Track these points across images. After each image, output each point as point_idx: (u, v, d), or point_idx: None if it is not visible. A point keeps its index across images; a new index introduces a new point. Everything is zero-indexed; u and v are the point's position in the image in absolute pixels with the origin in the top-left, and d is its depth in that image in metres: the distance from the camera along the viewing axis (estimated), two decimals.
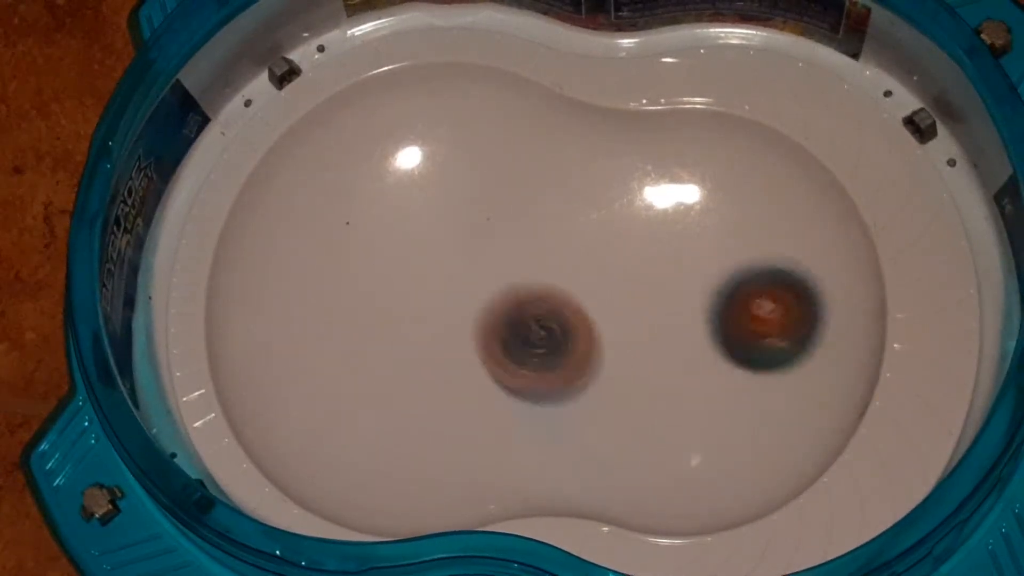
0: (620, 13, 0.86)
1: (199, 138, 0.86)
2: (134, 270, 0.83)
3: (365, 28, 0.89)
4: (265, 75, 0.88)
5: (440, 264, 0.87)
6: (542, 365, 0.84)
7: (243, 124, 0.86)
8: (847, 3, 0.82)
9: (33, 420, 0.90)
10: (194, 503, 0.72)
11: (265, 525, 0.72)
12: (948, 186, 0.81)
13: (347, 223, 0.87)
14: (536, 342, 0.85)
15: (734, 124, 0.84)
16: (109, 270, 0.79)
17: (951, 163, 0.82)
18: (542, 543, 0.70)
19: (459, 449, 0.82)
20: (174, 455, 0.77)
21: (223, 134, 0.87)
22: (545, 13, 0.88)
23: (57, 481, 0.78)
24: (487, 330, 0.85)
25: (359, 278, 0.86)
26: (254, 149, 0.85)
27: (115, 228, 0.80)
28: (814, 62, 0.85)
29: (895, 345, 0.77)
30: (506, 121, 0.87)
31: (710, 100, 0.85)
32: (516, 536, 0.71)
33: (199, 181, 0.85)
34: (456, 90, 0.87)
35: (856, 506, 0.74)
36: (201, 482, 0.76)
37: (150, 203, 0.84)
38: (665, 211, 0.87)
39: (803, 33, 0.85)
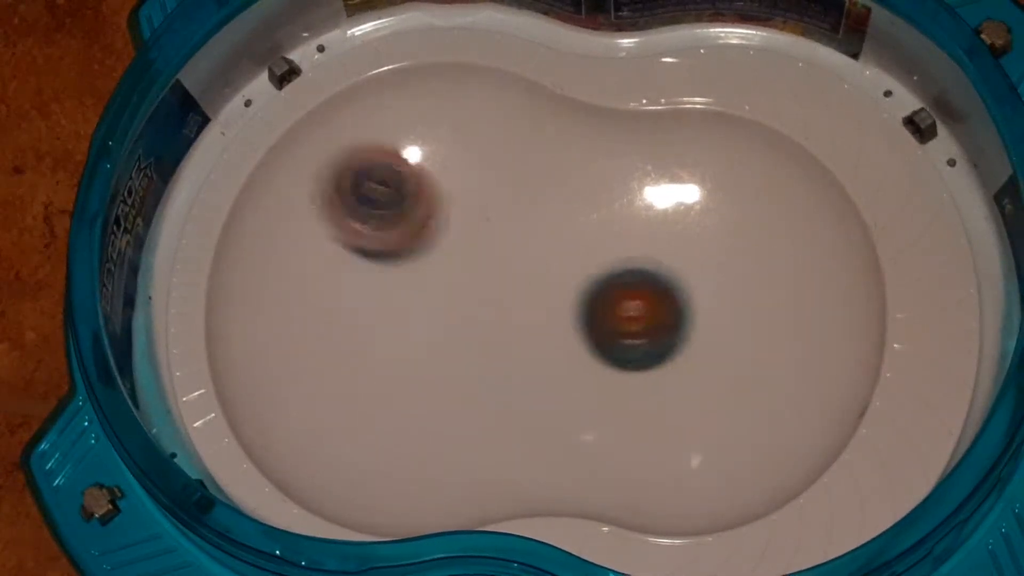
0: (620, 13, 0.86)
1: (199, 138, 0.86)
2: (134, 270, 0.83)
3: (365, 28, 0.89)
4: (265, 75, 0.88)
5: (440, 264, 0.87)
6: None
7: (243, 124, 0.86)
8: (847, 3, 0.82)
9: (33, 420, 0.90)
10: (194, 503, 0.72)
11: (265, 525, 0.72)
12: (948, 186, 0.81)
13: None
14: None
15: (734, 124, 0.84)
16: (109, 270, 0.79)
17: (951, 163, 0.82)
18: (542, 543, 0.70)
19: (459, 449, 0.82)
20: (174, 455, 0.77)
21: (223, 134, 0.87)
22: (545, 13, 0.88)
23: (57, 481, 0.78)
24: None
25: (359, 278, 0.86)
26: (254, 149, 0.85)
27: (115, 228, 0.80)
28: (814, 62, 0.85)
29: (895, 345, 0.77)
30: (506, 121, 0.87)
31: (710, 100, 0.85)
32: (516, 536, 0.71)
33: (199, 181, 0.85)
34: (456, 90, 0.87)
35: (856, 506, 0.74)
36: (201, 482, 0.76)
37: (150, 203, 0.84)
38: (665, 211, 0.87)
39: (803, 33, 0.85)
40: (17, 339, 0.94)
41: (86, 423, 0.78)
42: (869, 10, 0.81)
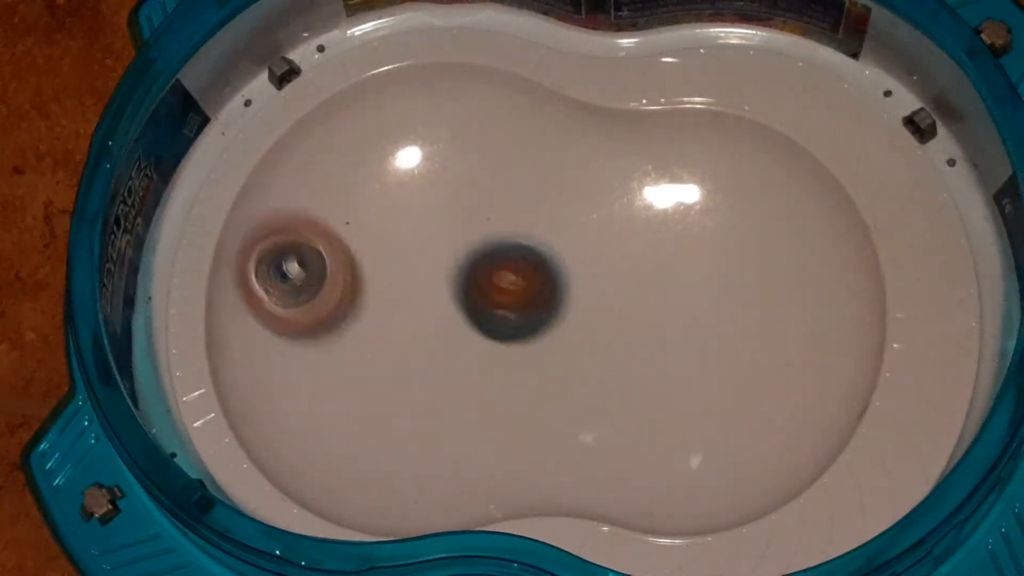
0: (620, 13, 0.86)
1: (199, 138, 0.86)
2: (134, 270, 0.83)
3: (365, 28, 0.89)
4: (265, 75, 0.88)
5: (441, 264, 0.87)
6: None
7: (243, 124, 0.86)
8: (847, 3, 0.82)
9: (33, 420, 0.90)
10: (194, 503, 0.72)
11: (265, 525, 0.72)
12: (948, 186, 0.81)
13: (347, 223, 0.87)
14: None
15: (734, 124, 0.84)
16: (109, 270, 0.79)
17: (951, 163, 0.82)
18: (542, 543, 0.70)
19: (459, 449, 0.82)
20: (174, 455, 0.77)
21: (223, 134, 0.87)
22: (545, 13, 0.88)
23: (57, 481, 0.78)
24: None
25: (359, 278, 0.86)
26: (254, 149, 0.85)
27: (115, 228, 0.80)
28: (814, 62, 0.85)
29: (895, 345, 0.77)
30: (506, 121, 0.87)
31: (710, 100, 0.85)
32: (516, 536, 0.71)
33: (199, 181, 0.85)
34: (456, 90, 0.87)
35: (856, 506, 0.74)
36: (201, 482, 0.76)
37: (150, 203, 0.84)
38: (665, 211, 0.87)
39: (803, 33, 0.85)
40: (17, 339, 0.94)
41: (86, 423, 0.78)
42: (869, 10, 0.81)
